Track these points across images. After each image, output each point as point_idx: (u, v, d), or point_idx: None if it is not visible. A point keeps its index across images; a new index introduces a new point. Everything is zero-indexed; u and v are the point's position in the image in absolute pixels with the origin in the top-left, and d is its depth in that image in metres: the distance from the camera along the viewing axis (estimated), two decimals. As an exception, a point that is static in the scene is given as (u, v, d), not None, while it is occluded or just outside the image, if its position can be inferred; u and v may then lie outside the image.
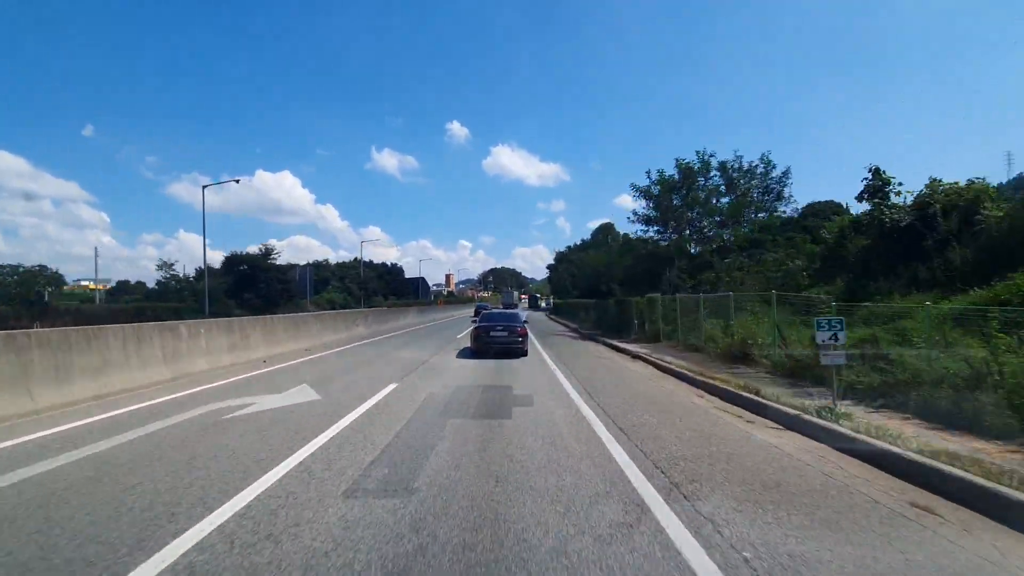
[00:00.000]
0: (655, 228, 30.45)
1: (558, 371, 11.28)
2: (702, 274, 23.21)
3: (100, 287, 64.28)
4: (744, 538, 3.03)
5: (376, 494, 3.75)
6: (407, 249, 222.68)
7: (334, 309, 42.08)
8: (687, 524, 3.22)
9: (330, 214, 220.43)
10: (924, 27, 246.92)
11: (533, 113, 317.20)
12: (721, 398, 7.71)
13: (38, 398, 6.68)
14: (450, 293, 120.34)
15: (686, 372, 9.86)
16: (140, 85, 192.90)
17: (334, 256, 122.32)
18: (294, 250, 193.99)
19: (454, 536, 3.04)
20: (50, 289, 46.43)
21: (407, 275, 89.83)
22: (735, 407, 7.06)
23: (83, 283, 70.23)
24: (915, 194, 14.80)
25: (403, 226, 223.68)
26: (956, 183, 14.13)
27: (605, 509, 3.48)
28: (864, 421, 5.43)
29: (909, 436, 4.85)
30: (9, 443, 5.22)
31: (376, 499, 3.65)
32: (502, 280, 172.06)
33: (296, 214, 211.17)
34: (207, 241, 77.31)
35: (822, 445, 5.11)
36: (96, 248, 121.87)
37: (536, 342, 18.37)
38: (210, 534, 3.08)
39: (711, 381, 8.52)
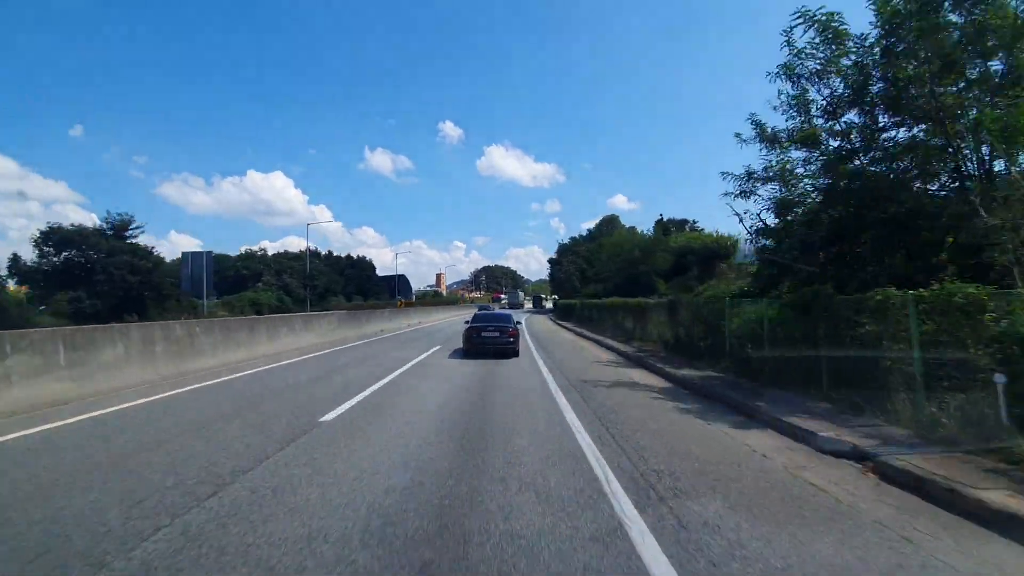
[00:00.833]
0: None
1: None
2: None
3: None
4: None
5: None
6: (400, 249, 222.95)
7: (256, 315, 28.29)
8: None
9: (323, 215, 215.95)
10: None
11: (527, 113, 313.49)
12: None
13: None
14: (436, 293, 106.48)
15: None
16: (129, 85, 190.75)
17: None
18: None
19: None
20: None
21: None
22: None
23: None
24: None
25: (397, 227, 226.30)
26: None
27: None
28: None
29: None
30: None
31: None
32: (495, 279, 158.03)
33: (289, 215, 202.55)
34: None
35: None
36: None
37: (574, 424, 5.99)
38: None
39: None
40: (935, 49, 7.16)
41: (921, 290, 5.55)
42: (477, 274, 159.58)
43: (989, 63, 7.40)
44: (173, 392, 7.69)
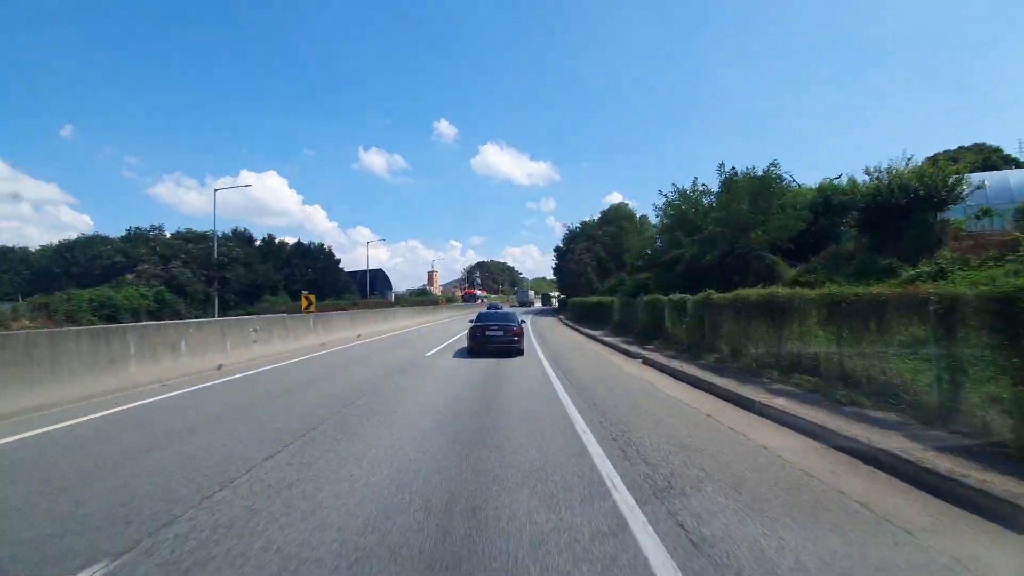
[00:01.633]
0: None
1: None
2: None
3: None
4: None
5: None
6: (397, 249, 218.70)
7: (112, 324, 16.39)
8: None
9: (318, 215, 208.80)
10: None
11: (522, 111, 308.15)
12: None
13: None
14: (423, 292, 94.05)
15: None
16: (119, 84, 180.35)
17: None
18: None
19: None
20: None
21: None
22: None
23: None
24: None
25: (392, 226, 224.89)
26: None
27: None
28: None
29: None
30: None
31: None
32: (491, 276, 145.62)
33: (283, 215, 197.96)
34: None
35: None
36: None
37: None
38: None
39: None
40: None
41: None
42: (471, 270, 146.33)
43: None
44: None
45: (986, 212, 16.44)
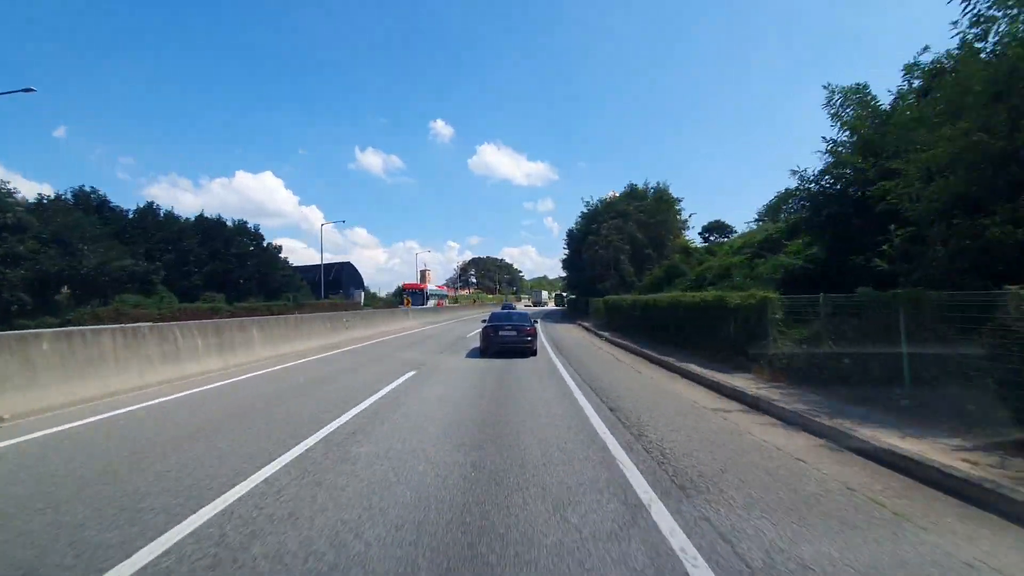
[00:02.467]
0: None
1: None
2: None
3: None
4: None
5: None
6: (394, 250, 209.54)
7: None
8: None
9: (314, 215, 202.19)
10: None
11: (519, 111, 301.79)
12: None
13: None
14: (406, 290, 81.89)
15: None
16: (113, 85, 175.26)
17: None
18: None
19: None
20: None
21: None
22: None
23: None
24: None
25: (389, 227, 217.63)
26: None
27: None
28: None
29: None
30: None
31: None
32: (488, 274, 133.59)
33: (279, 216, 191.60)
34: None
35: None
36: None
37: None
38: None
39: None
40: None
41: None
42: (465, 267, 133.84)
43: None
44: None
45: None
